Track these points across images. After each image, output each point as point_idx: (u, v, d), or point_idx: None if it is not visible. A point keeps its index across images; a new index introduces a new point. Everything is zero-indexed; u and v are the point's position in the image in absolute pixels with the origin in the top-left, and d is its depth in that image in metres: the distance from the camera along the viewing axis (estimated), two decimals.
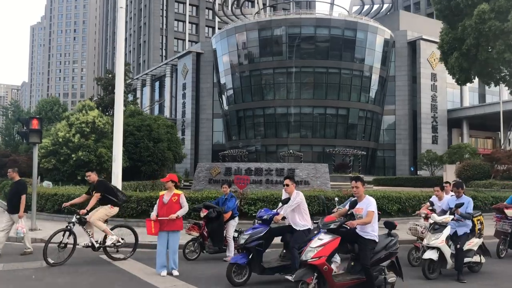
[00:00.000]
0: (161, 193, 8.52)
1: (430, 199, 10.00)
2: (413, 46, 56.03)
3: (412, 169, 53.04)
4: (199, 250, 9.37)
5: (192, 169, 57.21)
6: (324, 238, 6.35)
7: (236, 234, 9.21)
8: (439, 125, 55.76)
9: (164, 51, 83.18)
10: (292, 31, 50.44)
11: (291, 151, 39.10)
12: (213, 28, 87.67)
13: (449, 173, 36.85)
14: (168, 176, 8.36)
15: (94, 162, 22.17)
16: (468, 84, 61.51)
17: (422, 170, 47.83)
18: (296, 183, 24.64)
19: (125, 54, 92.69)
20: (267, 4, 66.10)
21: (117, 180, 17.28)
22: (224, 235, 9.21)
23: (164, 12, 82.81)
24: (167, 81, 69.70)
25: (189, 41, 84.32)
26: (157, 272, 7.99)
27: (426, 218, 9.36)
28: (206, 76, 61.43)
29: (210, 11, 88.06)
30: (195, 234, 9.36)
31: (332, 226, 6.40)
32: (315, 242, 6.34)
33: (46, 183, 19.94)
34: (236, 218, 9.76)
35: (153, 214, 8.10)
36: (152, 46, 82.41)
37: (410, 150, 55.56)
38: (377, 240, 6.55)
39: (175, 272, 7.96)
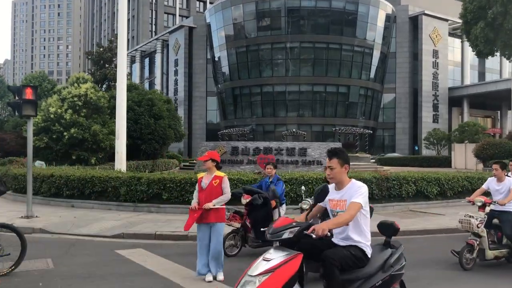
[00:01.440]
0: (199, 175, 6.71)
1: (486, 183, 7.77)
2: (414, 22, 54.25)
3: (416, 148, 51.81)
4: (240, 244, 7.65)
5: (186, 149, 55.33)
6: (274, 257, 3.49)
7: None
8: (440, 104, 54.49)
9: (154, 26, 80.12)
10: (291, 3, 48.14)
11: (293, 129, 37.42)
12: (205, 2, 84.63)
13: (458, 152, 35.62)
14: (207, 154, 6.57)
15: (89, 140, 20.20)
16: (469, 62, 60.46)
17: (428, 149, 46.54)
18: (308, 163, 23.16)
19: (113, 30, 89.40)
20: None
21: (120, 159, 15.47)
22: None
23: None
24: (158, 57, 67.10)
25: (179, 15, 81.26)
26: (198, 276, 6.26)
27: (483, 206, 7.24)
28: (199, 52, 59.02)
29: None
30: (236, 225, 7.64)
31: (286, 235, 3.57)
32: (258, 266, 3.47)
33: (39, 163, 17.99)
34: (284, 206, 8.07)
35: (194, 202, 6.35)
36: (141, 21, 79.24)
37: (410, 129, 54.33)
38: (368, 254, 3.84)
39: (220, 276, 6.25)
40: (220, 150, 23.06)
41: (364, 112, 51.72)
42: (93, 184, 12.73)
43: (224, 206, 6.47)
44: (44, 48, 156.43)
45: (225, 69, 53.70)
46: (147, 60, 73.06)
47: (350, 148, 33.07)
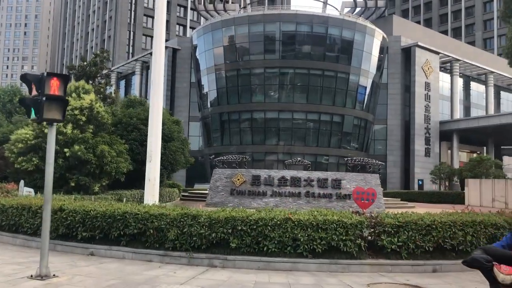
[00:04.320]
0: None
1: None
2: (407, 53, 53.39)
3: (420, 183, 49.79)
4: None
5: (183, 177, 51.35)
6: None
7: None
8: (432, 137, 53.23)
9: (131, 47, 76.67)
10: (286, 27, 46.14)
11: (299, 158, 34.50)
12: (185, 26, 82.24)
13: (472, 188, 33.59)
14: None
15: (93, 163, 16.44)
16: (459, 97, 60.19)
17: (434, 184, 44.57)
18: (343, 197, 20.14)
19: (86, 50, 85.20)
20: (247, 2, 61.55)
21: (153, 189, 11.99)
22: None
23: (133, 6, 76.42)
24: (136, 79, 63.44)
25: None
26: None
27: None
28: (183, 75, 55.90)
29: (182, 8, 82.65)
30: None
31: None
32: None
33: (26, 190, 14.12)
34: None
35: None
36: (118, 42, 75.61)
37: (401, 162, 52.62)
38: None
39: None
40: (239, 179, 19.86)
41: (358, 142, 49.80)
42: (125, 223, 9.15)
43: None
44: (7, 68, 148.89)
45: (212, 93, 50.77)
46: (123, 82, 69.15)
47: None
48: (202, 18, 74.39)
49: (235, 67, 48.35)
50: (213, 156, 49.90)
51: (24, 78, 7.58)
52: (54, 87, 7.21)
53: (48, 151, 7.60)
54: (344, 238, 8.33)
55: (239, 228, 8.39)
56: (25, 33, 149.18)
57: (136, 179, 19.91)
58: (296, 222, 8.34)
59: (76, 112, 16.62)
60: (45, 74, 7.34)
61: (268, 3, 78.56)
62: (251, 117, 48.20)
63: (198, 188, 31.13)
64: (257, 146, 47.86)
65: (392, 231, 8.57)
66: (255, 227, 8.41)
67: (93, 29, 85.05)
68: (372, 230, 8.77)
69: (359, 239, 8.53)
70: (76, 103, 16.64)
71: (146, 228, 8.95)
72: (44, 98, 7.18)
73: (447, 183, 41.78)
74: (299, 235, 8.33)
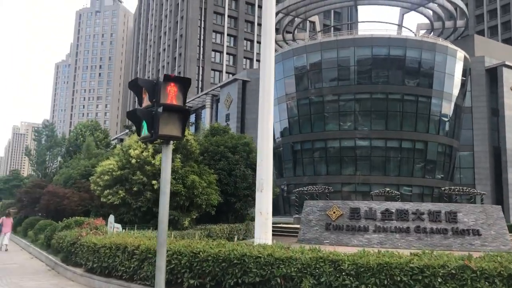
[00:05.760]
0: None
1: None
2: (492, 74, 49.34)
3: None
4: None
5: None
6: None
7: None
8: None
9: (200, 82, 77.93)
10: (361, 52, 44.20)
11: (387, 189, 31.81)
12: (251, 59, 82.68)
13: None
14: None
15: (183, 194, 15.14)
16: None
17: None
18: (461, 233, 17.32)
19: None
20: (318, 30, 60.50)
21: (265, 224, 10.20)
22: None
23: (201, 42, 78.14)
24: (207, 112, 63.75)
25: (226, 72, 79.12)
26: None
27: None
28: (252, 106, 55.06)
29: (248, 42, 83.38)
30: None
31: None
32: None
33: (116, 226, 12.92)
34: None
35: None
36: (187, 77, 77.16)
37: (492, 192, 47.73)
38: None
39: None
40: (334, 212, 17.78)
41: (442, 171, 46.01)
42: (243, 269, 7.39)
43: None
44: (83, 107, 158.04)
45: (284, 123, 49.44)
46: (193, 116, 69.90)
47: None
48: None
49: (307, 95, 46.90)
50: (285, 186, 48.19)
51: (134, 84, 6.23)
52: (171, 94, 5.82)
53: (163, 179, 6.15)
54: None
55: (397, 278, 6.35)
56: (99, 74, 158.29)
57: (222, 212, 18.42)
58: (478, 272, 6.16)
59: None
60: (161, 78, 5.96)
61: (334, 30, 77.27)
62: (325, 146, 46.14)
63: (280, 222, 29.24)
64: (332, 176, 45.46)
65: None
66: (420, 277, 6.32)
67: (163, 66, 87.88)
68: None
69: None
70: None
71: (270, 276, 7.10)
72: (160, 109, 5.77)
73: None
74: None
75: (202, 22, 78.52)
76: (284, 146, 49.35)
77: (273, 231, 26.22)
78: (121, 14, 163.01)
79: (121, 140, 63.45)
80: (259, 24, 70.88)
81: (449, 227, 16.44)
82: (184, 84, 6.22)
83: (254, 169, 20.04)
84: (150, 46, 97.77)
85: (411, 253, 7.01)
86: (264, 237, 9.77)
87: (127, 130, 35.55)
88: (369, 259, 6.61)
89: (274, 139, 50.77)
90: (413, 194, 45.21)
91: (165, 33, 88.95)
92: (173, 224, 15.09)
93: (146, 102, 6.13)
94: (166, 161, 6.20)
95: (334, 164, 45.98)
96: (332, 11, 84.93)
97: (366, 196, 41.03)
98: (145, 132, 6.10)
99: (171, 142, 6.30)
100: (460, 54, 46.20)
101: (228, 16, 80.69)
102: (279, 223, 27.29)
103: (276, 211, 46.41)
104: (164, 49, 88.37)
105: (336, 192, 44.32)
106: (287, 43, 57.34)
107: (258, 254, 7.29)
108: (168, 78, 5.98)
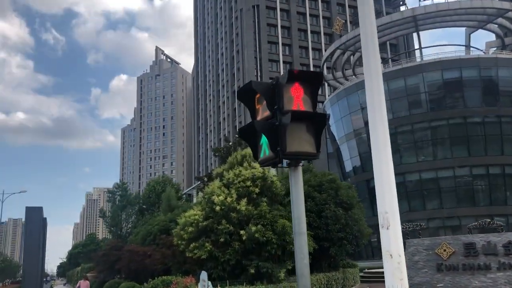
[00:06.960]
0: None
1: None
2: None
3: None
4: None
5: None
6: None
7: None
8: None
9: None
10: (431, 77, 41.91)
11: (487, 220, 28.53)
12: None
13: None
14: None
15: (274, 242, 13.58)
16: None
17: None
18: None
19: (219, 139, 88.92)
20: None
21: (399, 269, 8.42)
22: None
23: (258, 72, 78.87)
24: None
25: None
26: None
27: None
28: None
29: None
30: None
31: None
32: None
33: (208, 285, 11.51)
34: None
35: None
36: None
37: None
38: None
39: None
40: (445, 250, 15.37)
41: None
42: None
43: None
44: (150, 167, 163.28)
45: (355, 160, 47.31)
46: None
47: None
48: (326, 88, 73.56)
49: None
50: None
51: (245, 91, 4.78)
52: (297, 98, 4.49)
53: (296, 217, 4.65)
54: None
55: None
56: (163, 134, 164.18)
57: (315, 259, 16.55)
58: None
59: (249, 183, 14.24)
60: (284, 78, 4.54)
61: (392, 61, 75.16)
62: (404, 180, 43.16)
63: (372, 267, 26.69)
64: (414, 213, 42.15)
65: None
66: None
67: (224, 118, 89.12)
68: None
69: None
70: (247, 173, 14.38)
71: None
72: (286, 118, 4.46)
73: None
74: None
75: (258, 71, 79.55)
76: (359, 184, 46.80)
77: (365, 277, 23.76)
78: (179, 75, 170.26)
79: (190, 196, 63.77)
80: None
81: None
82: (312, 82, 4.82)
83: (345, 208, 18.24)
84: (210, 100, 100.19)
85: None
86: (398, 285, 7.97)
87: (198, 182, 35.08)
88: None
89: (347, 177, 48.51)
90: (510, 225, 40.77)
91: (223, 86, 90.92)
92: (267, 277, 13.34)
93: (261, 113, 4.85)
94: (296, 190, 4.64)
95: (414, 198, 42.85)
96: (388, 43, 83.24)
97: (456, 231, 37.54)
98: (265, 152, 4.82)
99: (301, 163, 4.88)
100: None
101: (283, 62, 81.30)
102: (373, 268, 24.79)
103: (357, 256, 43.43)
104: (224, 102, 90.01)
105: (422, 229, 40.91)
106: (347, 79, 56.06)
107: None
108: (291, 76, 4.68)
